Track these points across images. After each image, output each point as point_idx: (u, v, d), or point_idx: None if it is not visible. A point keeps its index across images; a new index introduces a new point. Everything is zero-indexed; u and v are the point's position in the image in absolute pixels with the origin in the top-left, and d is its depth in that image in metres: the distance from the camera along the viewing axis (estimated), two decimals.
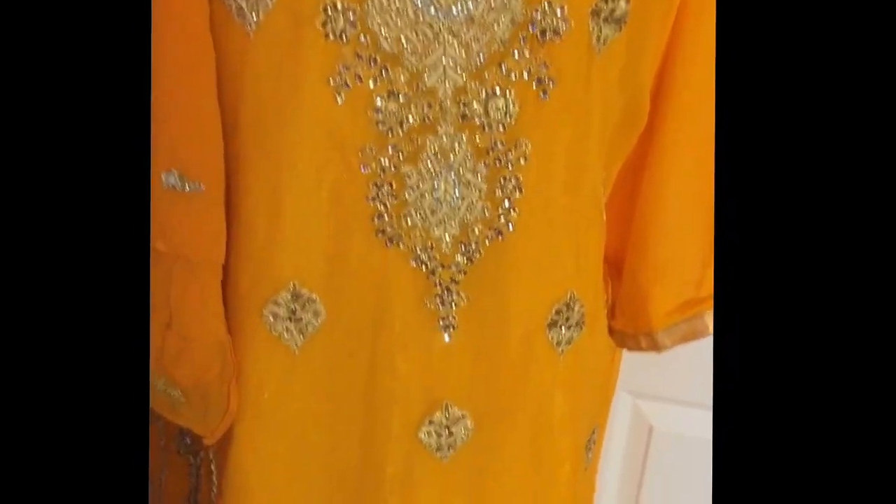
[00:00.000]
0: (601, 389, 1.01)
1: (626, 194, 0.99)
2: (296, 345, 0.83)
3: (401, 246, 0.81)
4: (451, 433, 0.89)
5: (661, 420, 1.56)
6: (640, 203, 0.99)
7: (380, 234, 0.81)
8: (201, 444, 0.92)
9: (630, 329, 1.03)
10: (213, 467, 0.89)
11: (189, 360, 0.80)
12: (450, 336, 0.85)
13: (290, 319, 0.82)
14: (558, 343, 0.89)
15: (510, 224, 0.83)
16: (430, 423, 0.88)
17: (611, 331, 1.02)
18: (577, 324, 0.90)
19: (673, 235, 0.97)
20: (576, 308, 0.90)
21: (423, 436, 0.88)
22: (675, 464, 1.55)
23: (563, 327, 0.89)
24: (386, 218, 0.80)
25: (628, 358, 1.10)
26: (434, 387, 0.87)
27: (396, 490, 0.90)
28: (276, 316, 0.82)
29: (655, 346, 1.02)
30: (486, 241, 0.83)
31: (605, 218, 0.93)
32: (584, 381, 0.95)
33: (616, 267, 1.02)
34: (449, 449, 0.89)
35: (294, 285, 0.81)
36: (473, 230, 0.83)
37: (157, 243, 0.76)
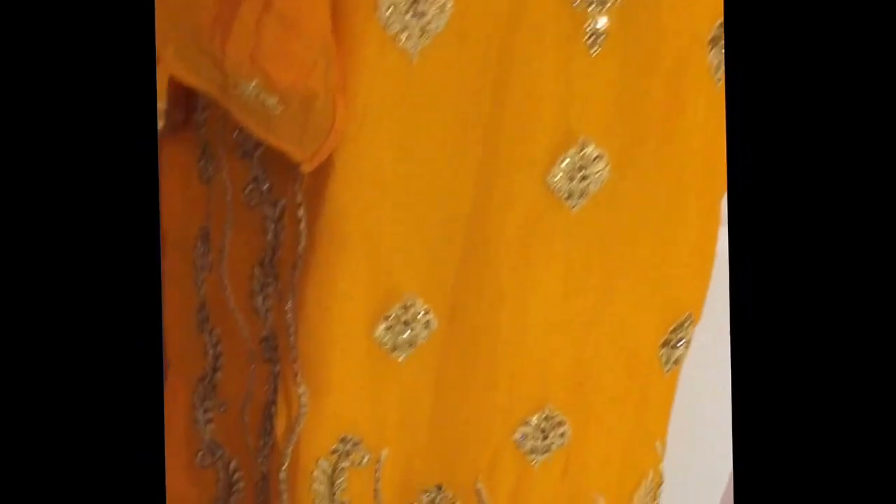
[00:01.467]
0: None
1: None
2: (414, 48, 0.66)
3: None
4: (584, 177, 0.73)
5: None
6: None
7: None
8: (283, 189, 0.75)
9: None
10: (301, 212, 0.72)
11: (290, 53, 0.63)
12: (597, 49, 0.68)
13: (412, 14, 0.64)
14: (718, 67, 0.73)
15: None
16: (563, 161, 0.71)
17: None
18: None
19: None
20: None
21: (553, 178, 0.72)
22: None
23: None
24: None
25: None
26: (571, 115, 0.71)
27: (515, 244, 0.74)
28: (393, 7, 0.64)
29: None
30: None
31: None
32: None
33: None
34: (580, 197, 0.73)
35: None
36: None
37: None
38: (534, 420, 0.82)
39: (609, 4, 0.67)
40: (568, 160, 0.72)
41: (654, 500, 0.88)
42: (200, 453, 0.91)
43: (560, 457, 0.83)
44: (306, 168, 0.68)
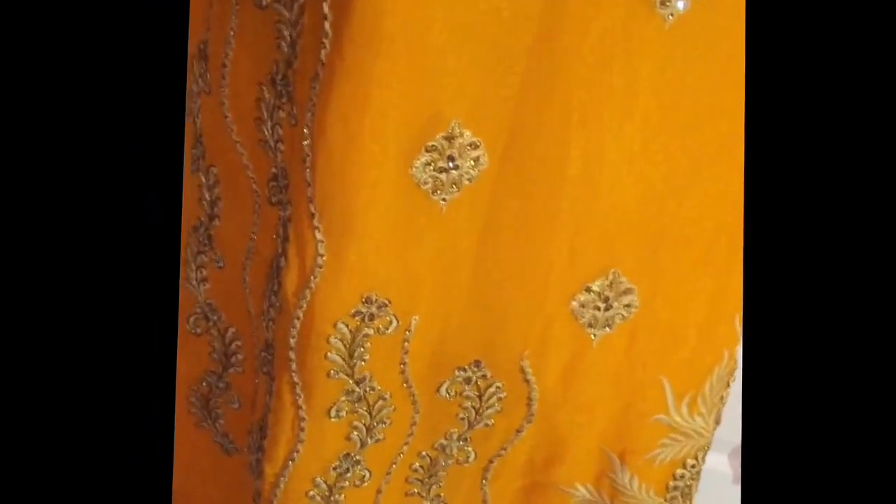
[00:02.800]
0: None
1: None
2: None
3: None
4: None
5: None
6: None
7: None
8: None
9: None
10: (326, 7, 0.56)
11: None
12: None
13: None
14: None
15: None
16: None
17: None
18: None
19: None
20: None
21: None
22: None
23: None
24: None
25: None
26: None
27: (593, 62, 0.59)
28: None
29: None
30: None
31: None
32: None
33: None
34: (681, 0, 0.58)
35: None
36: None
37: None
38: (596, 286, 0.68)
39: None
40: None
41: (727, 387, 0.74)
42: (192, 318, 0.77)
43: (623, 332, 0.70)
44: None
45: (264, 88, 0.64)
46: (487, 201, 0.63)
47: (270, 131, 0.64)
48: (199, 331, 0.77)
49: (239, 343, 0.77)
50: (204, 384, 0.80)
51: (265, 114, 0.64)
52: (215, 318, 0.76)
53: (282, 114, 0.63)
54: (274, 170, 0.66)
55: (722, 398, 0.74)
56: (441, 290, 0.66)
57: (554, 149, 0.62)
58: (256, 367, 0.74)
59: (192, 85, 0.70)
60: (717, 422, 0.74)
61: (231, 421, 0.81)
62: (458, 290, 0.66)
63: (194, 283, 0.76)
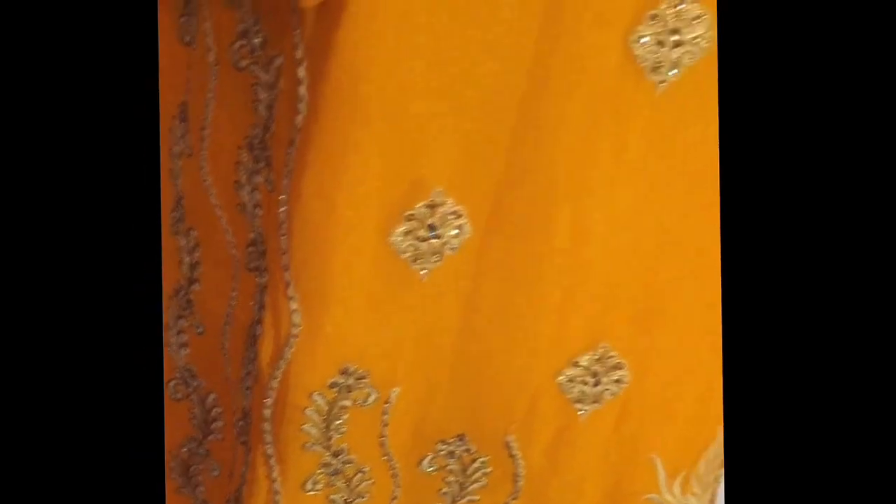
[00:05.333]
0: None
1: None
2: None
3: None
4: (678, 43, 0.54)
5: None
6: None
7: None
8: (281, 42, 0.55)
9: None
10: (302, 72, 0.53)
11: None
12: None
13: None
14: None
15: None
16: (654, 18, 0.52)
17: None
18: None
19: None
20: None
21: (638, 39, 0.53)
22: None
23: None
24: None
25: None
26: None
27: (580, 127, 0.55)
28: None
29: None
30: None
31: None
32: None
33: None
34: (672, 69, 0.54)
35: None
36: None
37: None
38: (584, 360, 0.63)
39: None
40: (659, 17, 0.52)
41: (723, 466, 0.69)
42: (173, 383, 0.73)
43: (613, 408, 0.65)
44: (307, 2, 0.48)
45: (243, 152, 0.60)
46: (471, 271, 0.59)
47: (249, 196, 0.61)
48: (179, 396, 0.73)
49: (219, 410, 0.72)
50: (184, 450, 0.75)
51: (243, 178, 0.61)
52: (195, 383, 0.72)
53: (260, 178, 0.59)
54: (252, 235, 0.62)
55: (717, 477, 0.69)
56: (423, 362, 0.62)
57: (540, 218, 0.58)
58: (236, 436, 0.70)
59: (174, 146, 0.66)
60: (713, 502, 0.69)
61: (211, 488, 0.76)
62: (440, 361, 0.62)
63: (175, 347, 0.71)
